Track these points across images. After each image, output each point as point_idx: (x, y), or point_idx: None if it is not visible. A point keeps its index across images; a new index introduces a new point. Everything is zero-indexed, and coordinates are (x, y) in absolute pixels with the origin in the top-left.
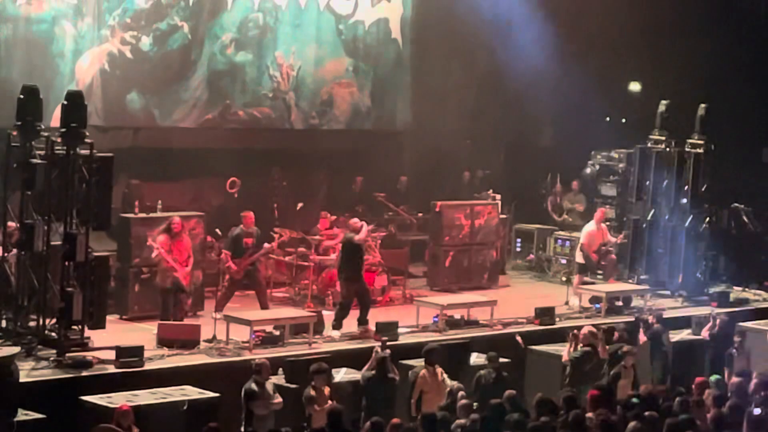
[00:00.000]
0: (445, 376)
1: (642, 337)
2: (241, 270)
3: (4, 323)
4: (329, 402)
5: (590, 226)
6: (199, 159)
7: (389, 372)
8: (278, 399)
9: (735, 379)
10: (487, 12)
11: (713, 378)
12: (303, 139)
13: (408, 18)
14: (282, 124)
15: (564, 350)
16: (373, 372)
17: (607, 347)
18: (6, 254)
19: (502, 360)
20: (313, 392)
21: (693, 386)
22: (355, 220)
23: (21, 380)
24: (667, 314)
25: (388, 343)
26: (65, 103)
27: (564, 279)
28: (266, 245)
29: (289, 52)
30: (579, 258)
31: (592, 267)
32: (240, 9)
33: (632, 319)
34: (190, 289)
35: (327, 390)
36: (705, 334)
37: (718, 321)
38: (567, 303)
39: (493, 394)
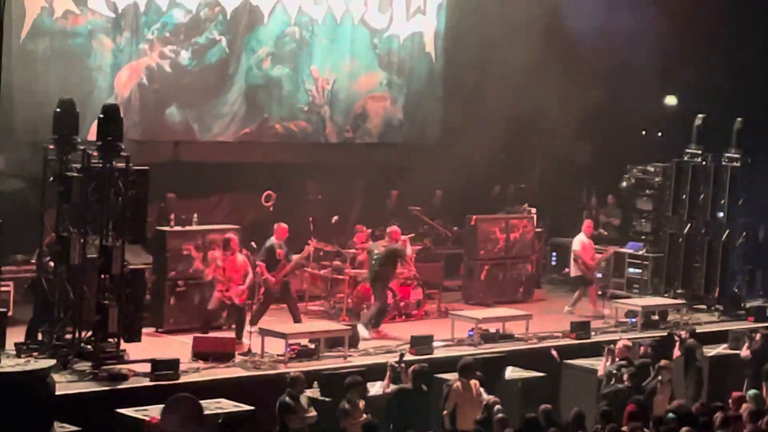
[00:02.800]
0: (481, 389)
1: (676, 352)
2: (278, 282)
3: (40, 336)
4: (364, 416)
5: (583, 238)
6: (235, 173)
7: (422, 385)
8: (313, 413)
9: None
10: (521, 26)
11: (751, 393)
12: (337, 153)
13: (441, 32)
14: (317, 138)
15: (600, 365)
16: (409, 385)
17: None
18: (43, 267)
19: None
20: (347, 405)
21: (730, 401)
22: (397, 229)
23: (57, 393)
24: (703, 329)
25: (422, 357)
26: (101, 116)
27: (600, 293)
28: (294, 256)
29: (325, 65)
30: (575, 271)
31: (591, 276)
32: (276, 23)
33: (665, 334)
34: (246, 304)
35: (362, 403)
36: (746, 353)
37: (758, 337)
38: (603, 317)
39: None
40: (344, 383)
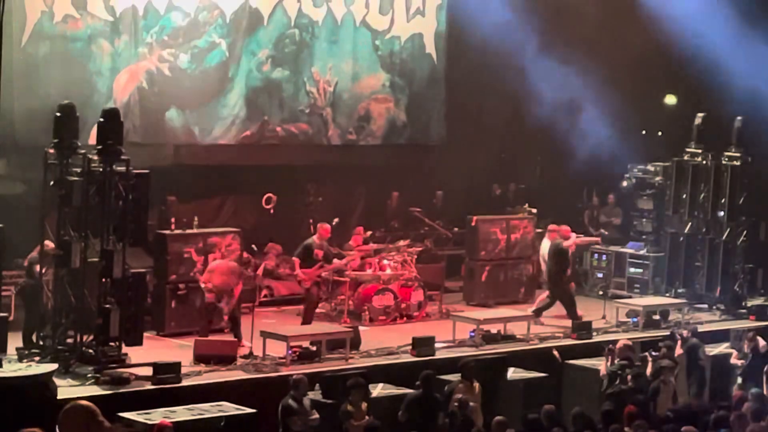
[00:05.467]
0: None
1: (678, 350)
2: (309, 281)
3: (42, 340)
4: (366, 417)
5: (549, 243)
6: (236, 175)
7: (434, 390)
8: (315, 415)
9: None
10: (521, 26)
11: (753, 391)
12: (338, 155)
13: (442, 33)
14: (320, 140)
15: (601, 364)
16: (420, 391)
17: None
18: (44, 271)
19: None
20: (350, 407)
21: (732, 400)
22: (567, 228)
23: (59, 397)
24: (704, 328)
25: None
26: (101, 120)
27: (601, 293)
28: (337, 261)
29: (326, 67)
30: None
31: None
32: (276, 25)
33: (667, 333)
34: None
35: (364, 405)
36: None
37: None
38: (604, 317)
39: None
40: (347, 385)
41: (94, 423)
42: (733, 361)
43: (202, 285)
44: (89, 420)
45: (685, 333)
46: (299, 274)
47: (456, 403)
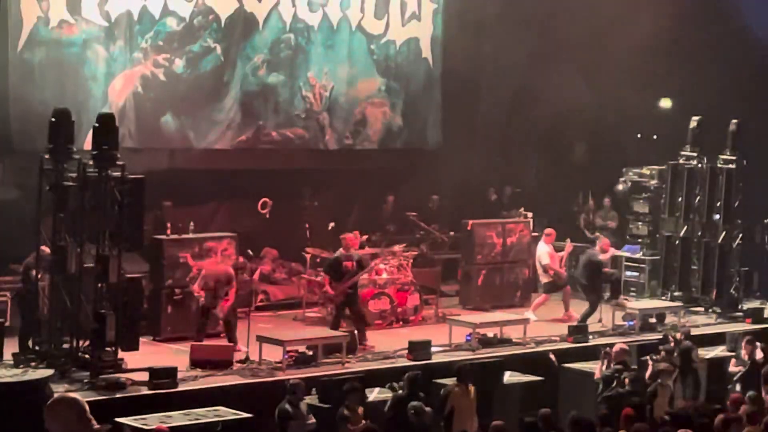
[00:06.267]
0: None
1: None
2: (340, 294)
3: (38, 345)
4: (363, 422)
5: (546, 248)
6: (231, 180)
7: (420, 392)
8: (312, 419)
9: None
10: (516, 29)
11: (749, 394)
12: (334, 159)
13: (438, 37)
14: (316, 145)
15: (596, 368)
16: (406, 392)
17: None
18: (40, 277)
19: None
20: (347, 412)
21: (728, 403)
22: (606, 240)
23: None
24: (701, 331)
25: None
26: (96, 125)
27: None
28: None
29: (322, 72)
30: (545, 278)
31: (562, 282)
32: (272, 30)
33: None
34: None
35: (361, 410)
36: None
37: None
38: (600, 320)
39: None
40: (343, 389)
41: (82, 419)
42: (732, 369)
43: (196, 294)
44: (78, 414)
45: (678, 335)
46: (328, 289)
47: (412, 411)
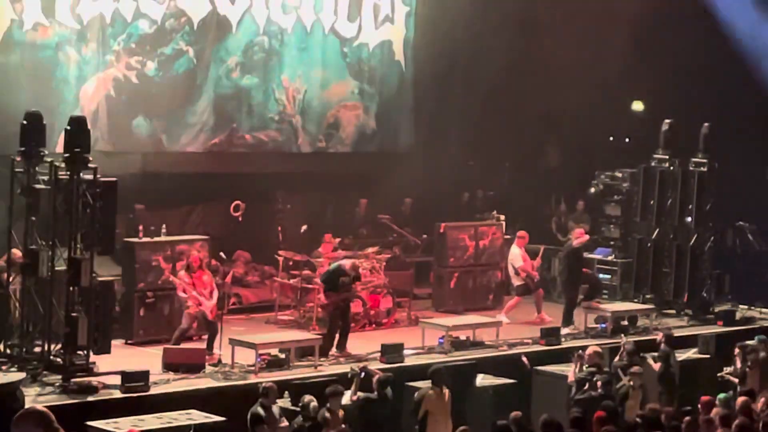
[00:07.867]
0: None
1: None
2: (332, 304)
3: (9, 349)
4: (343, 426)
5: (519, 251)
6: (204, 183)
7: (389, 394)
8: (284, 423)
9: (741, 399)
10: (489, 33)
11: (721, 396)
12: (307, 162)
13: (411, 40)
14: (289, 148)
15: (569, 371)
16: (375, 394)
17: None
18: (11, 280)
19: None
20: (327, 414)
21: (699, 405)
22: (579, 230)
23: (26, 406)
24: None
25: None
26: (68, 128)
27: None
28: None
29: (295, 75)
30: (517, 281)
31: (534, 285)
32: (245, 33)
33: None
34: (218, 316)
35: (341, 413)
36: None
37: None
38: (572, 323)
39: None
40: (326, 393)
41: (49, 429)
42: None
43: (190, 303)
44: (44, 426)
45: (659, 336)
46: (321, 297)
47: (310, 409)
